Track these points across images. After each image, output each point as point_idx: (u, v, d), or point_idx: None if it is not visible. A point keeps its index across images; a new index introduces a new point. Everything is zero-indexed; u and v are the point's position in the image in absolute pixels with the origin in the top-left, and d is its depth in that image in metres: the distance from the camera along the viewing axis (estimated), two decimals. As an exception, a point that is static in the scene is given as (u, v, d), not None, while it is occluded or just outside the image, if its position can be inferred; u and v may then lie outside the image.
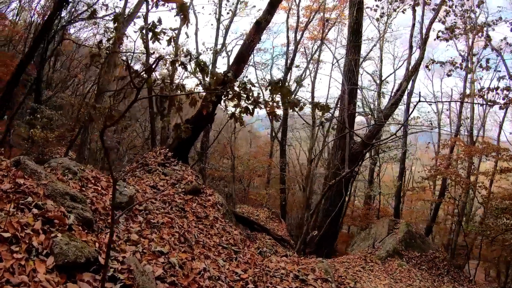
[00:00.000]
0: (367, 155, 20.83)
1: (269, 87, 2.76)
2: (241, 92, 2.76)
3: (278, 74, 26.02)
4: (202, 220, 7.26)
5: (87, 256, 3.25)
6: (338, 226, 16.52)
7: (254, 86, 2.92)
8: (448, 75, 10.53)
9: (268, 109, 2.97)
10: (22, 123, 15.80)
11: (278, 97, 3.15)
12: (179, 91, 3.01)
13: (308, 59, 25.25)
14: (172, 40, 2.90)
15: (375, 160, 23.07)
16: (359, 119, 23.27)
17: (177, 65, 2.90)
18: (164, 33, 2.86)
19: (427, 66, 11.02)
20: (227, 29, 22.32)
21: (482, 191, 17.44)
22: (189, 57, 3.13)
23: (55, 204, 3.89)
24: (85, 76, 23.73)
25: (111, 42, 3.71)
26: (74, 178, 5.33)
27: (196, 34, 21.12)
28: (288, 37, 24.74)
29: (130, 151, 23.45)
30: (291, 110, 2.94)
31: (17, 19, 20.93)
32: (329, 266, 6.96)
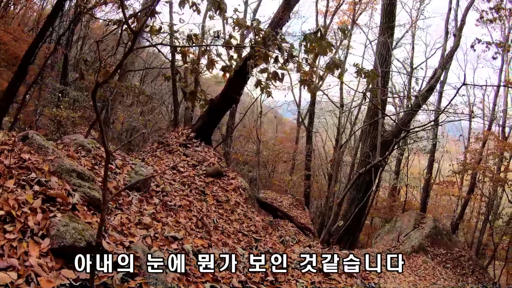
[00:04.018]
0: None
1: (304, 42, 2.25)
2: (271, 44, 2.25)
3: (306, 59, 25.39)
4: (223, 204, 6.92)
5: (88, 240, 2.90)
6: (363, 217, 15.95)
7: (287, 42, 2.41)
8: (494, 58, 9.84)
9: (301, 73, 2.48)
10: (49, 104, 15.83)
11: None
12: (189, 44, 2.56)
13: (338, 44, 24.35)
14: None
15: (403, 150, 22.15)
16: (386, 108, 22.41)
17: (187, 5, 2.44)
18: None
19: (472, 46, 10.22)
20: (254, 12, 21.62)
21: (512, 188, 16.59)
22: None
23: (60, 182, 3.57)
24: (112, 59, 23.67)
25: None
26: (87, 156, 5.04)
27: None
28: (317, 21, 23.87)
29: (155, 133, 23.43)
30: (331, 74, 2.42)
31: (44, 4, 20.97)
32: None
